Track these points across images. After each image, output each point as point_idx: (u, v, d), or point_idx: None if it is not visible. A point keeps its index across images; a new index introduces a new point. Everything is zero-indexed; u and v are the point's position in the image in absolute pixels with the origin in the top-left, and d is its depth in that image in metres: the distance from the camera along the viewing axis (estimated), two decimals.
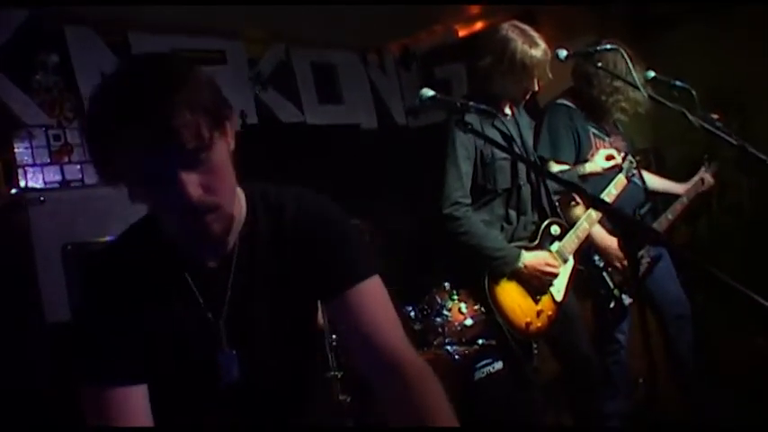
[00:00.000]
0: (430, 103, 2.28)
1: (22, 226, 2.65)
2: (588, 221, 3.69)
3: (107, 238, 2.70)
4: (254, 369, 1.75)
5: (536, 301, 3.53)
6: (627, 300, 3.92)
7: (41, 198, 2.70)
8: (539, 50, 3.46)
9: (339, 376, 3.70)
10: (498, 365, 4.12)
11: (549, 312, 3.55)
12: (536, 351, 3.62)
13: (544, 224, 3.61)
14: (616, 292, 3.91)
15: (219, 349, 1.72)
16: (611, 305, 3.88)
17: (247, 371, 1.74)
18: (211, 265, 1.72)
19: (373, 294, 1.75)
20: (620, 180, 3.78)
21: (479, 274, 3.44)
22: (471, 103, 2.26)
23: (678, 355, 4.23)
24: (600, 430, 3.79)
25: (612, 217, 2.81)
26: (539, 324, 3.52)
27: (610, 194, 3.75)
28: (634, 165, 3.82)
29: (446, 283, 4.40)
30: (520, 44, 3.44)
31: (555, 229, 3.64)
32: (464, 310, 4.32)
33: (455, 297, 4.36)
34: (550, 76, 3.55)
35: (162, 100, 1.44)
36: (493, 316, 3.45)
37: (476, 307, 4.33)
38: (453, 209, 3.40)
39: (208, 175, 1.53)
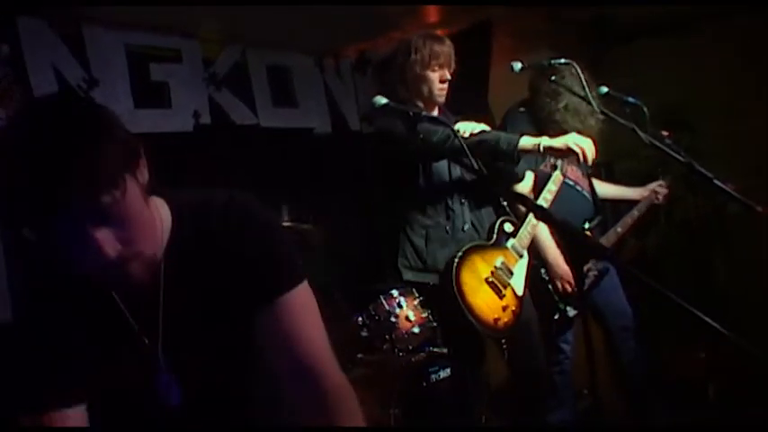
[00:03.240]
0: (383, 111, 2.29)
1: None
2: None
3: None
4: (195, 388, 1.71)
5: (500, 297, 3.59)
6: (571, 311, 3.98)
7: None
8: (444, 44, 3.71)
9: None
10: (445, 373, 4.15)
11: (513, 307, 3.62)
12: (505, 347, 3.66)
13: (497, 222, 3.69)
14: (561, 304, 3.97)
15: (158, 374, 1.68)
16: (556, 316, 3.93)
17: (188, 391, 1.71)
18: (141, 283, 1.60)
19: (301, 302, 1.71)
20: (557, 177, 3.86)
21: (444, 275, 3.49)
22: (424, 113, 2.28)
23: (622, 366, 4.30)
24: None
25: (558, 228, 2.85)
26: (506, 319, 3.59)
27: (550, 191, 3.84)
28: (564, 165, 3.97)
29: (394, 291, 4.39)
30: (425, 40, 3.69)
31: (508, 227, 3.73)
32: (412, 317, 4.31)
33: (403, 304, 4.35)
34: (454, 64, 3.73)
35: (65, 157, 1.35)
36: (457, 318, 3.48)
37: (423, 315, 4.34)
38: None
39: (123, 225, 1.46)
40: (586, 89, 3.55)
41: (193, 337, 1.68)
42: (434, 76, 3.67)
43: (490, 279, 3.59)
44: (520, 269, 3.72)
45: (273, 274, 1.69)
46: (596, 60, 5.03)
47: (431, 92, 3.67)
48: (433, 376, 4.12)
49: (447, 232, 3.66)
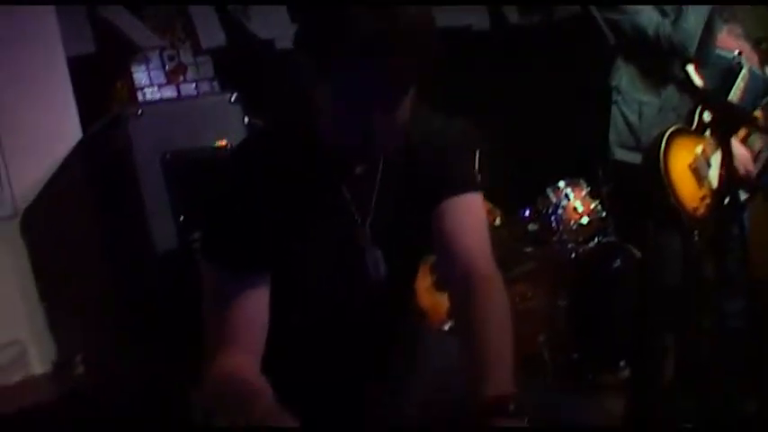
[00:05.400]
0: None
1: (123, 141, 2.76)
2: None
3: (206, 145, 2.80)
4: (391, 268, 1.83)
5: (700, 186, 3.49)
6: (743, 195, 3.80)
7: (139, 111, 2.78)
8: None
9: None
10: (616, 263, 4.10)
11: (709, 200, 3.50)
12: (696, 239, 3.57)
13: (698, 109, 3.55)
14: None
15: (368, 249, 1.80)
16: (726, 201, 3.76)
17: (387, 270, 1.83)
18: (358, 171, 1.77)
19: (467, 208, 1.82)
20: (744, 75, 3.70)
21: (651, 155, 3.41)
22: None
23: None
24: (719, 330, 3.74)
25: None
26: (702, 210, 3.48)
27: (738, 88, 3.67)
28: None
29: (561, 183, 4.35)
30: None
31: (707, 115, 3.58)
32: (580, 208, 4.28)
33: (570, 196, 4.31)
34: None
35: (411, 32, 1.49)
36: (659, 202, 3.42)
37: (592, 206, 4.29)
38: None
39: (395, 107, 1.59)
40: None
41: (394, 224, 1.82)
42: None
43: (693, 166, 3.48)
44: (716, 161, 3.58)
45: (448, 179, 1.81)
46: None
47: None
48: (605, 266, 4.07)
49: (660, 111, 3.54)
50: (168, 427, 2.82)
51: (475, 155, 1.86)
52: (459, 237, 1.78)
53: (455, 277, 1.77)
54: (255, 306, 1.69)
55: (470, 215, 1.83)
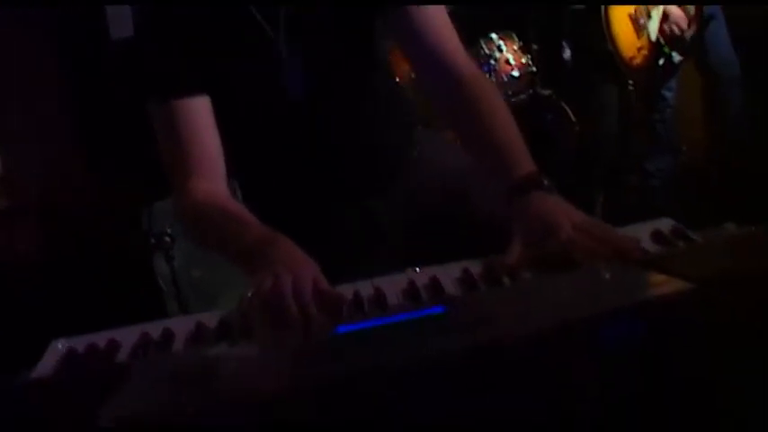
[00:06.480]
0: None
1: None
2: None
3: None
4: (319, 84, 1.73)
5: (638, 36, 3.60)
6: (677, 57, 3.91)
7: None
8: None
9: None
10: (549, 116, 4.20)
11: (646, 51, 3.64)
12: (631, 88, 3.68)
13: None
14: (666, 48, 3.90)
15: (282, 66, 1.70)
16: (661, 62, 3.87)
17: (312, 86, 1.72)
18: None
19: (432, 8, 1.71)
20: None
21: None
22: None
23: (728, 115, 4.26)
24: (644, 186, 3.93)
25: None
26: (638, 60, 3.64)
27: None
28: None
29: (493, 35, 4.35)
30: None
31: None
32: (512, 61, 4.30)
33: (503, 48, 4.33)
34: None
35: None
36: (596, 45, 3.58)
37: (523, 60, 4.33)
38: None
39: None
40: None
41: (317, 33, 1.70)
42: None
43: (634, 15, 3.59)
44: (656, 13, 3.69)
45: None
46: None
47: None
48: (534, 119, 4.16)
49: None
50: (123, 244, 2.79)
51: None
52: (437, 40, 1.68)
53: (444, 83, 1.68)
54: (204, 131, 1.66)
55: (438, 14, 1.71)
